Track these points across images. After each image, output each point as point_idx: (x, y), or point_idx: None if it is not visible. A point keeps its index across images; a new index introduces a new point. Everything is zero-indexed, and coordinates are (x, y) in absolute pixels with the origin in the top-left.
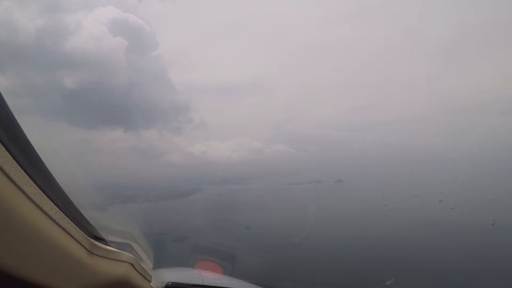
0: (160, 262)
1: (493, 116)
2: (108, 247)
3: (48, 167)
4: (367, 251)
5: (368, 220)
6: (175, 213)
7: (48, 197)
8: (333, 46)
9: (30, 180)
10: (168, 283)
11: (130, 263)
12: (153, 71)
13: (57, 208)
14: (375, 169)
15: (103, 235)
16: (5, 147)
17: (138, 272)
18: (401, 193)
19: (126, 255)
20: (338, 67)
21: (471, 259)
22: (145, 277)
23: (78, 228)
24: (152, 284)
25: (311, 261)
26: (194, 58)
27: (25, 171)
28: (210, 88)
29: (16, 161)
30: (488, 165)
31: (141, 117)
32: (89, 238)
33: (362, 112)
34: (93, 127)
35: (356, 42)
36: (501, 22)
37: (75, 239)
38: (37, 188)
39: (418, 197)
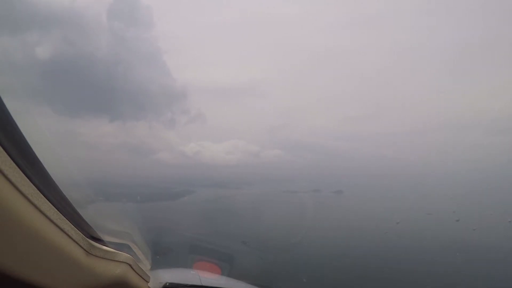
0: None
1: (494, 134)
2: (106, 248)
3: (45, 167)
4: (381, 268)
5: (383, 238)
6: (163, 216)
7: (46, 197)
8: (334, 54)
9: (28, 180)
10: (166, 283)
11: (128, 264)
12: (145, 50)
13: (55, 209)
14: (375, 181)
15: (101, 235)
16: (3, 147)
17: (136, 272)
18: (411, 210)
19: (124, 255)
20: (337, 76)
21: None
22: (143, 278)
23: (76, 229)
24: (150, 284)
25: (312, 263)
26: (191, 56)
27: (23, 171)
28: (207, 88)
29: (14, 161)
30: (492, 183)
31: (130, 105)
32: (87, 239)
33: (359, 123)
34: (76, 114)
35: (357, 52)
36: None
37: (73, 239)
38: (35, 188)
39: (431, 215)
